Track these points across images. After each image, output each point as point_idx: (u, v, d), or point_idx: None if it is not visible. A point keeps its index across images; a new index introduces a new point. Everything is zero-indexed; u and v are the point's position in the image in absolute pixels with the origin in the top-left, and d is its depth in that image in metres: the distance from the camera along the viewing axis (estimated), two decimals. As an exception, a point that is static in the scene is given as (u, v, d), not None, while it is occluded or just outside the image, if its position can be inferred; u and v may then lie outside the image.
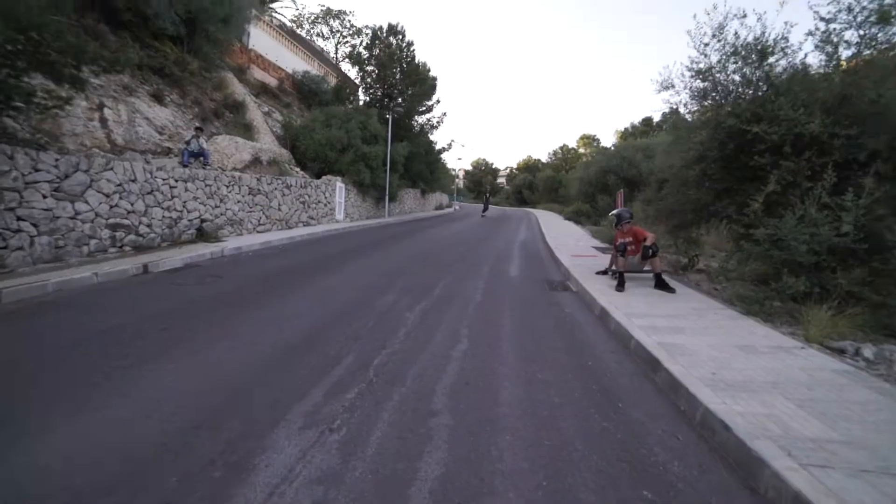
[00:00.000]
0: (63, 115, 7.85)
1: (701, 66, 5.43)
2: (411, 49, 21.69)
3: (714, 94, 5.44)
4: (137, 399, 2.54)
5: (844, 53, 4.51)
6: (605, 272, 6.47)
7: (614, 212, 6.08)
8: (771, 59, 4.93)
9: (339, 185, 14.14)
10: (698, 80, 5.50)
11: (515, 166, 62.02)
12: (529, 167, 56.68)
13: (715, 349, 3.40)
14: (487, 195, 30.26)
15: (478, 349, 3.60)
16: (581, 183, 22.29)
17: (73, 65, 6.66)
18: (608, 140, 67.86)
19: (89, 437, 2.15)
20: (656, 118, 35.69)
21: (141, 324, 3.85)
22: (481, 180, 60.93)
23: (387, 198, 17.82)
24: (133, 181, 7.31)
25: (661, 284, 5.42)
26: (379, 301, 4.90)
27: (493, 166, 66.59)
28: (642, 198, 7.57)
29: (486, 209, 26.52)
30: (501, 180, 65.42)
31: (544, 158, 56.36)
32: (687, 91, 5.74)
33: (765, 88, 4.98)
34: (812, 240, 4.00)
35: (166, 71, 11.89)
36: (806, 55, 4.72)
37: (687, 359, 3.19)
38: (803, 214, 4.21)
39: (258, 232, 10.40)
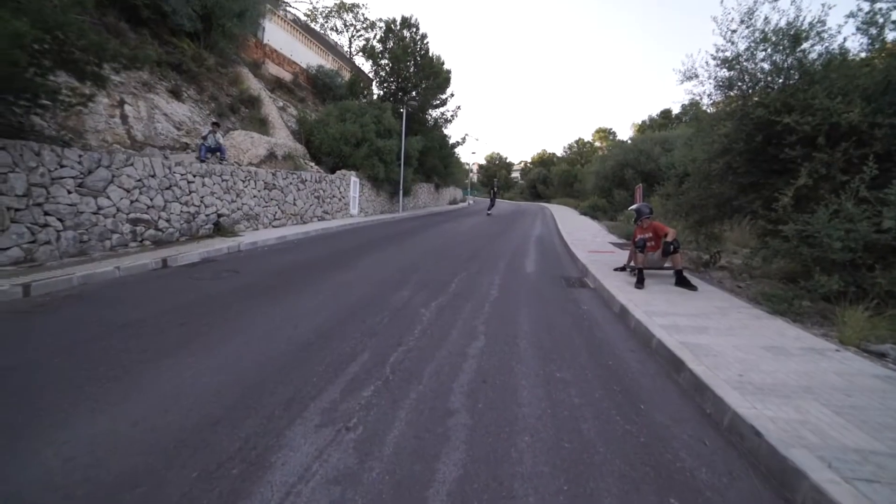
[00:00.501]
0: (86, 112, 8.03)
1: (727, 54, 5.20)
2: (425, 42, 21.50)
3: (741, 83, 5.21)
4: (156, 394, 2.56)
5: (890, 36, 4.24)
6: (623, 268, 6.32)
7: (633, 206, 5.92)
8: (805, 45, 4.68)
9: (354, 179, 14.16)
10: (724, 69, 5.27)
11: (530, 160, 61.26)
12: (544, 161, 55.79)
13: (741, 350, 3.27)
14: (494, 189, 21.85)
15: (495, 346, 3.54)
16: (597, 177, 21.81)
17: (96, 62, 6.77)
18: (625, 133, 66.59)
19: (110, 432, 2.17)
20: (675, 110, 34.85)
21: (160, 318, 3.90)
22: (495, 174, 60.53)
23: (401, 192, 17.80)
24: (152, 176, 7.43)
25: (681, 282, 5.26)
26: (394, 297, 4.87)
27: (507, 160, 65.98)
28: (661, 192, 7.34)
29: (492, 205, 20.98)
30: (515, 174, 64.68)
31: (559, 152, 55.62)
32: (711, 81, 5.52)
33: (797, 76, 4.74)
34: (847, 236, 3.80)
35: (184, 67, 12.03)
36: (845, 39, 4.44)
37: (712, 360, 3.08)
38: (837, 209, 4.00)
39: (273, 227, 10.50)
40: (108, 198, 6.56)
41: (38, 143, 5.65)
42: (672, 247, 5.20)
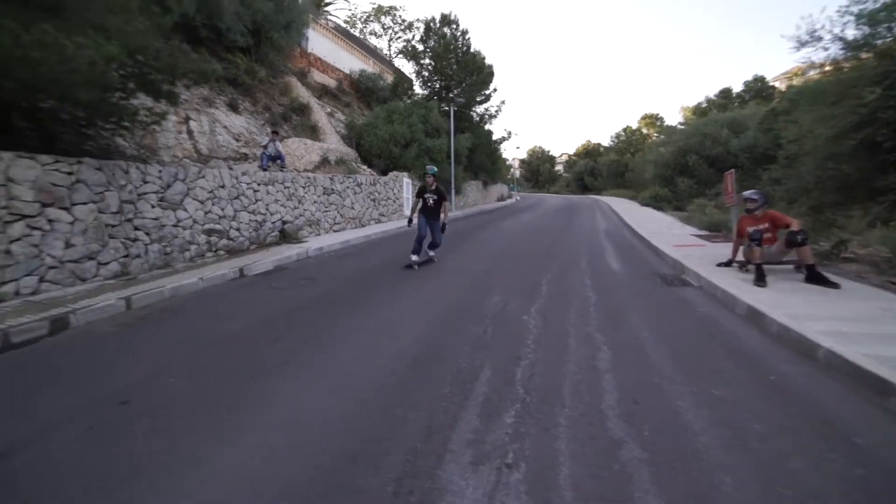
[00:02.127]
0: (158, 130, 8.30)
1: (867, 6, 4.40)
2: (466, 37, 21.12)
3: (884, 39, 4.40)
4: (278, 421, 2.33)
5: None
6: (728, 264, 5.63)
7: (746, 193, 5.23)
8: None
9: (406, 180, 14.03)
10: (859, 26, 4.49)
11: (573, 152, 58.94)
12: (590, 152, 53.36)
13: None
14: (432, 193, 6.59)
15: (624, 358, 3.11)
16: (656, 166, 20.38)
17: (170, 81, 6.92)
18: (673, 118, 63.17)
19: (239, 468, 1.95)
20: (737, 88, 31.84)
21: (253, 332, 3.74)
22: (538, 168, 58.25)
23: (452, 191, 17.49)
24: (222, 187, 7.53)
25: (815, 278, 4.55)
26: (486, 303, 4.52)
27: (549, 153, 64.00)
28: (766, 177, 6.53)
29: (425, 232, 6.57)
30: (559, 167, 62.67)
31: (605, 142, 53.38)
32: (838, 43, 4.73)
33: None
34: None
35: (239, 81, 12.38)
36: None
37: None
38: None
39: (334, 231, 10.51)
40: (185, 210, 6.68)
41: (125, 162, 5.80)
42: (799, 238, 4.52)
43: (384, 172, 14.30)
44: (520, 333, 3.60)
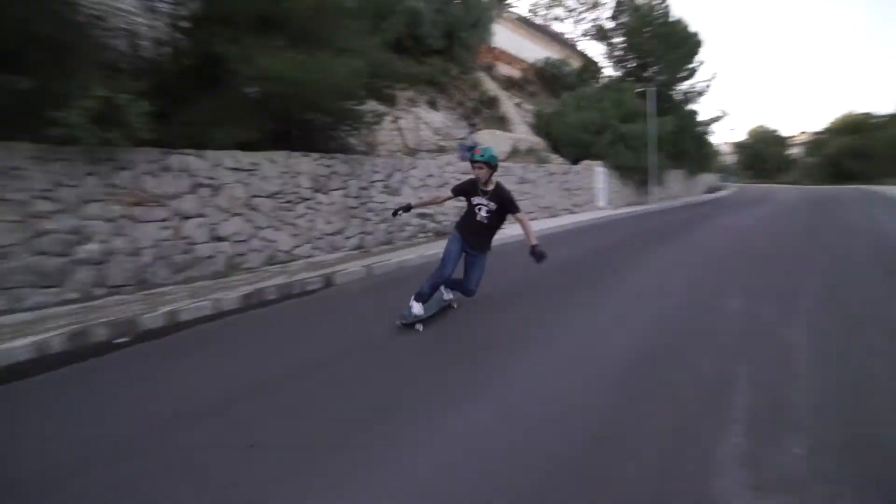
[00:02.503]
0: (377, 128, 9.87)
1: None
2: (664, 5, 18.26)
3: None
4: (518, 393, 2.41)
5: None
6: None
7: None
8: None
9: (599, 169, 13.18)
10: None
11: (822, 129, 43.73)
12: (852, 127, 39.69)
13: None
14: (480, 189, 3.43)
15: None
16: None
17: (389, 87, 8.11)
18: None
19: (491, 423, 2.06)
20: None
21: (467, 310, 3.99)
22: (762, 153, 45.39)
23: (653, 181, 15.58)
24: (430, 176, 8.47)
25: None
26: (723, 306, 3.79)
27: (777, 134, 49.35)
28: None
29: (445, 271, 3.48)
30: (794, 150, 47.93)
31: (879, 111, 37.66)
32: None
33: None
34: None
35: (435, 80, 13.63)
36: None
37: None
38: None
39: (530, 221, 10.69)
40: (402, 196, 7.77)
41: (360, 156, 7.12)
42: None
43: (575, 161, 13.76)
44: (779, 349, 2.87)
